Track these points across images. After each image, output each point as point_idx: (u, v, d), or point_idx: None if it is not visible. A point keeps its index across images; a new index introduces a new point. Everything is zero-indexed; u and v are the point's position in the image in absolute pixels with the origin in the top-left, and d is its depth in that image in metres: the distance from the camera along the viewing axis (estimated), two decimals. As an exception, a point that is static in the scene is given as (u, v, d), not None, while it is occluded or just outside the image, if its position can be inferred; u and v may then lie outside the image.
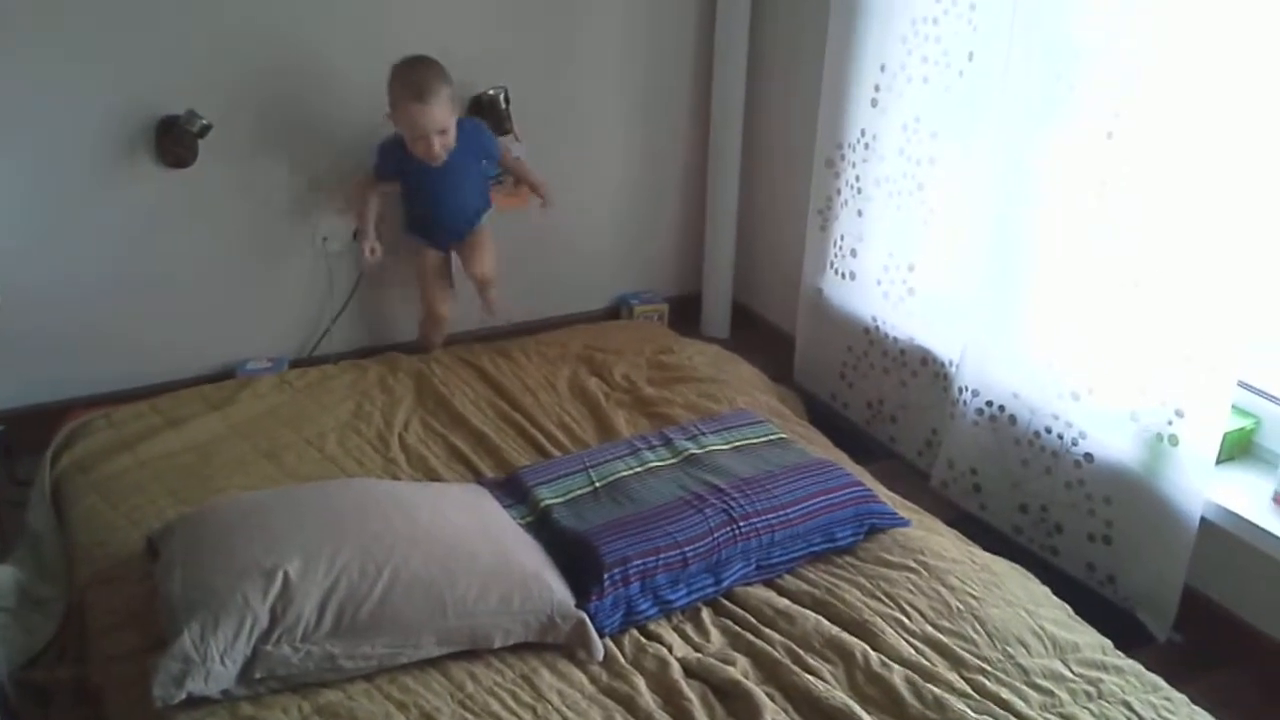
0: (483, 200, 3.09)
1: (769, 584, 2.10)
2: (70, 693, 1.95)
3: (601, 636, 1.91)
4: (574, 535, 2.05)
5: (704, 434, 2.41)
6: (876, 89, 2.90)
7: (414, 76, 2.73)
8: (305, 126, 3.03)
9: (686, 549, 2.03)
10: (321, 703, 1.74)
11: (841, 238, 3.12)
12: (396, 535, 1.91)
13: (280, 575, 1.79)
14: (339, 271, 3.19)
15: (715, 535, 2.06)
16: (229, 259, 3.07)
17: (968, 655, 1.90)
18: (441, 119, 2.76)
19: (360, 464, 2.44)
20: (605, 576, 1.95)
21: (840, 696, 1.79)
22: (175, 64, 2.82)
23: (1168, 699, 1.86)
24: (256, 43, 2.90)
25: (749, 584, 2.09)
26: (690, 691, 1.81)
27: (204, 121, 2.83)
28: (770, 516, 2.12)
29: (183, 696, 1.69)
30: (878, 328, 3.07)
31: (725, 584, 2.06)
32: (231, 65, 2.89)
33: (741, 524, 2.09)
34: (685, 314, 3.70)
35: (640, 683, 1.84)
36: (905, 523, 2.28)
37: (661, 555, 2.00)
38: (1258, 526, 2.25)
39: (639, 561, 1.98)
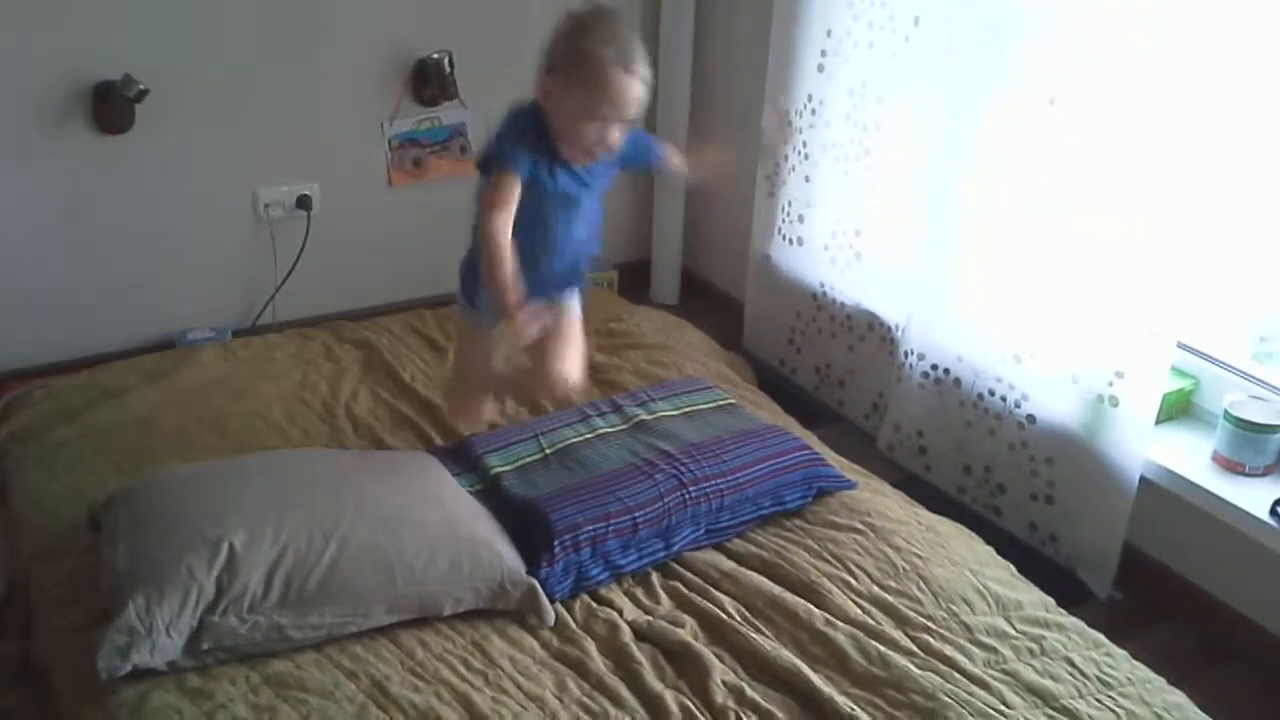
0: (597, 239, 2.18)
1: (717, 547, 2.11)
2: (16, 667, 1.92)
3: (552, 602, 1.92)
4: (524, 502, 2.04)
5: (654, 400, 2.41)
6: (823, 54, 2.90)
7: (621, 36, 1.90)
8: (245, 91, 2.98)
9: (637, 514, 2.03)
10: (270, 673, 1.73)
11: (789, 203, 3.12)
12: (344, 504, 1.90)
13: (225, 546, 1.77)
14: (282, 239, 3.15)
15: (665, 500, 2.07)
16: (168, 227, 3.01)
17: (913, 614, 1.92)
18: (642, 102, 1.95)
19: (307, 434, 2.41)
20: (555, 543, 1.95)
21: (788, 656, 1.81)
22: (112, 28, 2.76)
23: (1109, 654, 1.90)
24: (194, 5, 2.84)
25: (698, 548, 2.10)
26: (640, 654, 1.82)
27: (141, 86, 2.77)
28: (720, 481, 2.13)
29: (128, 669, 1.67)
30: (825, 293, 3.08)
31: (675, 548, 2.07)
32: (169, 29, 2.83)
33: (691, 489, 2.10)
34: (634, 281, 3.69)
35: (591, 646, 1.85)
36: (852, 485, 2.30)
37: (612, 521, 2.01)
38: (1196, 485, 2.30)
39: (589, 528, 1.98)
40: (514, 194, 1.90)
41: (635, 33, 1.94)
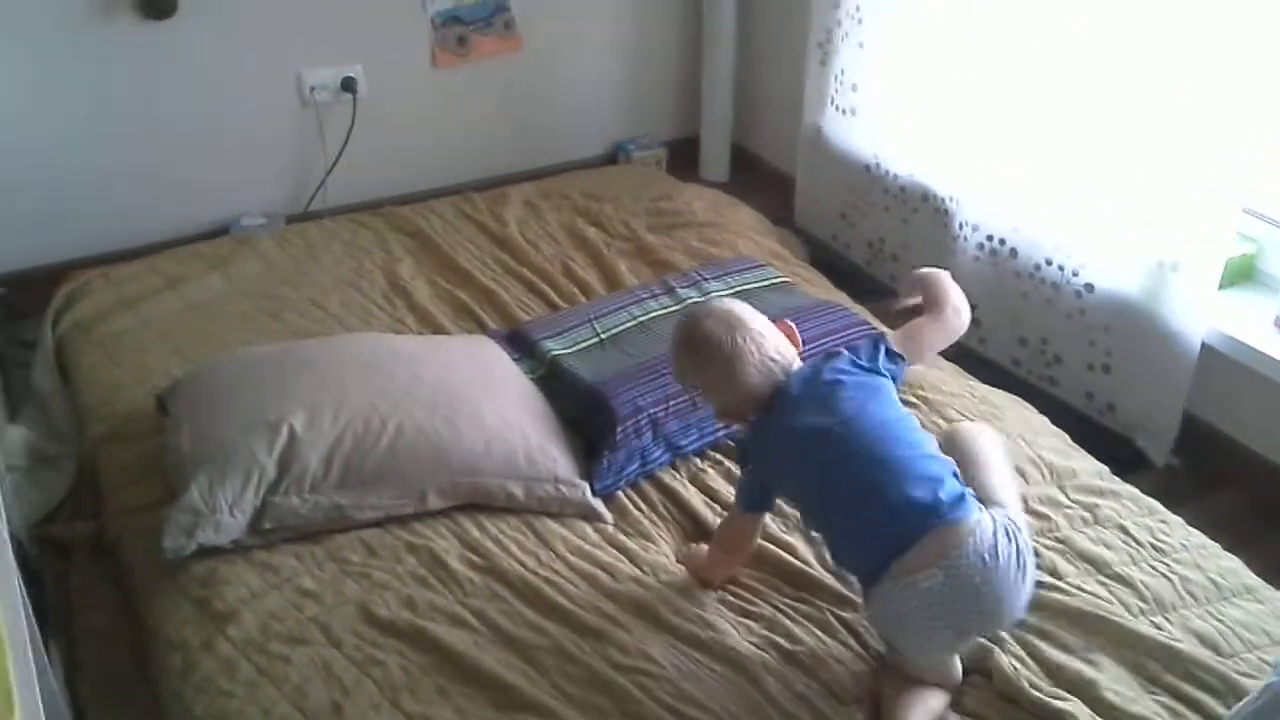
0: None
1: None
2: (89, 546, 1.99)
3: (617, 490, 1.93)
4: (586, 387, 2.04)
5: (706, 280, 2.39)
6: (877, -87, 2.79)
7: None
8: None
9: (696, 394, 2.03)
10: (333, 547, 1.79)
11: (842, 72, 3.04)
12: (401, 389, 1.92)
13: (286, 428, 1.81)
14: (329, 122, 3.14)
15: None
16: (216, 113, 3.01)
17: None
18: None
19: (365, 322, 2.43)
20: (619, 429, 1.95)
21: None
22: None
23: (1164, 521, 1.89)
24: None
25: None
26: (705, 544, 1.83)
27: (183, -29, 2.75)
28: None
29: (194, 547, 1.73)
30: (878, 165, 3.02)
31: (736, 426, 2.06)
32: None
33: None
34: (684, 158, 3.65)
35: (653, 534, 1.86)
36: (907, 361, 2.28)
37: (671, 402, 2.00)
38: (1258, 351, 2.26)
39: (651, 411, 1.98)
40: None
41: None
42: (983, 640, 1.63)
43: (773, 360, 1.66)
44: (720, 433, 2.05)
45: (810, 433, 1.61)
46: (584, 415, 2.02)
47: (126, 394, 2.17)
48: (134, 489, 1.95)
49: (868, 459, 1.58)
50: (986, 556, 1.50)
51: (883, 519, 1.55)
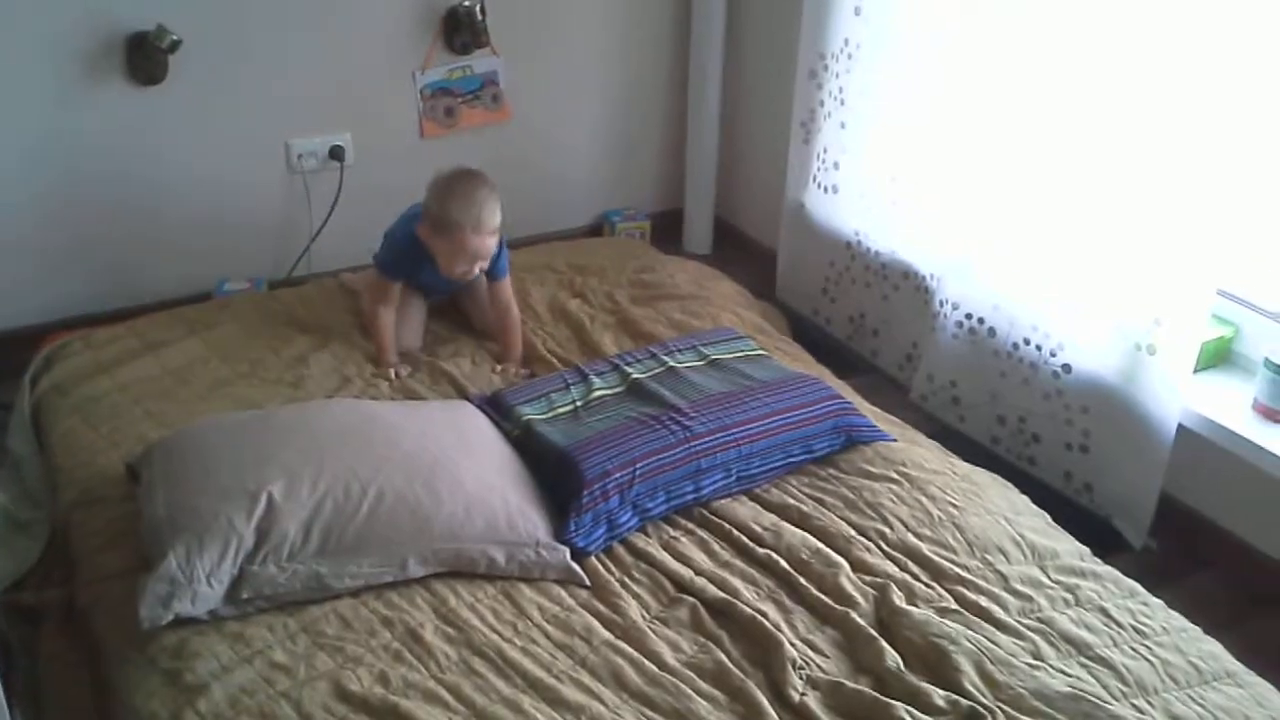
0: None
1: (753, 497, 2.10)
2: (60, 613, 1.95)
3: (585, 555, 1.92)
4: (555, 451, 2.05)
5: (682, 350, 2.40)
6: (860, -3, 2.85)
7: (478, 200, 2.39)
8: (277, 41, 2.98)
9: (664, 456, 2.04)
10: (307, 620, 1.76)
11: (824, 150, 3.09)
12: (381, 455, 1.91)
13: (264, 496, 1.79)
14: (315, 190, 3.15)
15: (690, 445, 2.07)
16: (203, 178, 3.02)
17: (947, 564, 1.92)
18: (492, 249, 2.46)
19: (343, 388, 2.41)
20: (585, 492, 1.95)
21: (825, 604, 1.82)
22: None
23: (1144, 604, 1.89)
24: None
25: (731, 495, 2.09)
26: (679, 609, 1.83)
27: (174, 37, 2.77)
28: (748, 428, 2.12)
29: (170, 618, 1.70)
30: (860, 242, 3.05)
31: (705, 493, 2.07)
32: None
33: (719, 435, 2.10)
34: (667, 230, 3.68)
35: (626, 598, 1.85)
36: (886, 437, 2.29)
37: (638, 465, 2.01)
38: (1235, 434, 2.27)
39: (618, 474, 1.99)
40: (392, 293, 2.54)
41: (491, 190, 2.39)
42: (976, 706, 1.62)
43: None
44: (688, 496, 2.06)
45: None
46: (554, 479, 2.02)
47: (100, 458, 2.15)
48: (105, 556, 1.92)
49: None
50: None
51: None
